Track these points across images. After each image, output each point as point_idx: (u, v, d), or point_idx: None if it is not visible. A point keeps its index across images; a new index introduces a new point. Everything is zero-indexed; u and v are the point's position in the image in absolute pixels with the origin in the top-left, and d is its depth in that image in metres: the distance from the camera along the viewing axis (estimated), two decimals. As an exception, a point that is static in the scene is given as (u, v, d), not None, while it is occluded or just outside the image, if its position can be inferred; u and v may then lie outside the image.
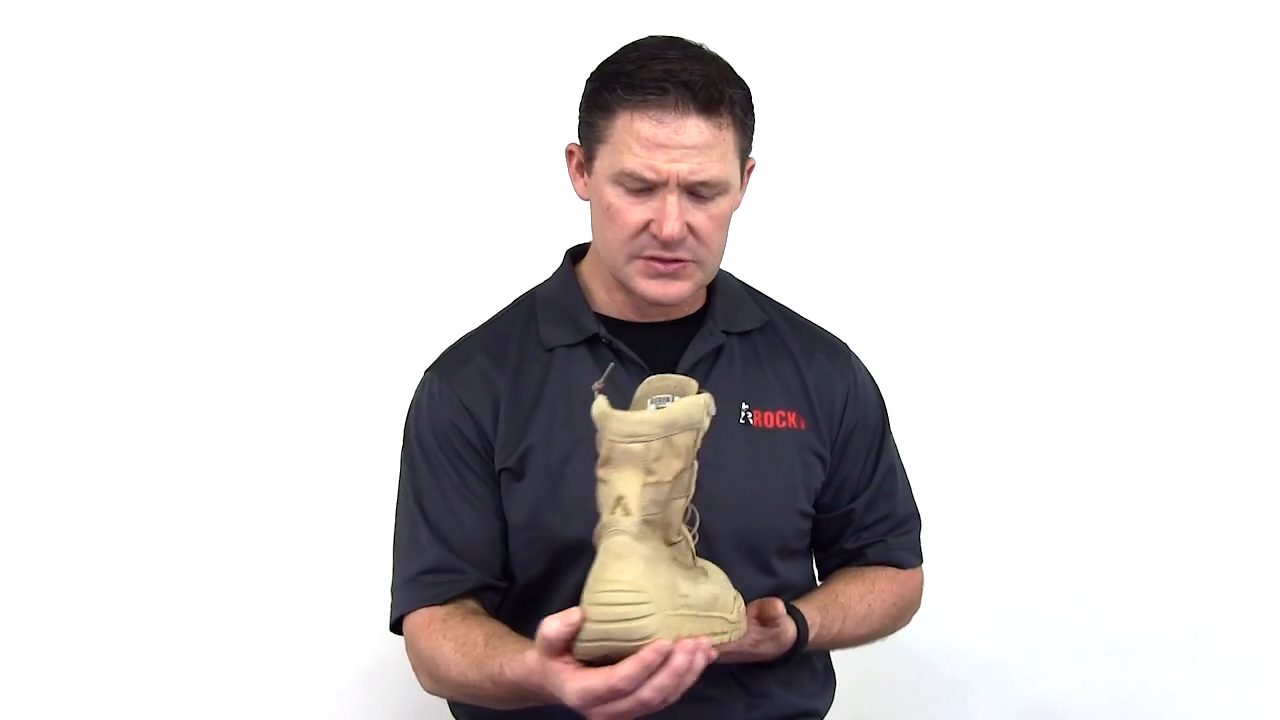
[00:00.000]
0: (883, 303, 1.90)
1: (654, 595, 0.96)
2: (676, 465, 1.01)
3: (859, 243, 1.91)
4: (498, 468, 1.26)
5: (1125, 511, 1.93)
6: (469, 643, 1.17)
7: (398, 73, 1.84)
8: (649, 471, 0.99)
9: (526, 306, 1.35)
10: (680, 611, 0.99)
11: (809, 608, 1.26)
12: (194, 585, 1.82)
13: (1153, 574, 1.93)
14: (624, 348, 1.27)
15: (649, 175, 1.17)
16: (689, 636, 0.96)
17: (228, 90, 1.81)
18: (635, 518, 0.98)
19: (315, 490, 1.81)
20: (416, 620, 1.25)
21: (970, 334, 1.92)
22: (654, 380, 1.08)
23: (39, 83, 1.77)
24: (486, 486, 1.27)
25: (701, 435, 1.04)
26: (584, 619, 0.95)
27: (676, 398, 1.06)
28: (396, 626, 1.29)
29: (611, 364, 1.18)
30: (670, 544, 1.04)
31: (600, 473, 1.01)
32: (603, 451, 1.01)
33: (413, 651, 1.27)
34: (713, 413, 1.04)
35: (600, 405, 1.01)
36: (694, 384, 1.07)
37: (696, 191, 1.19)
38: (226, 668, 1.82)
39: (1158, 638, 1.93)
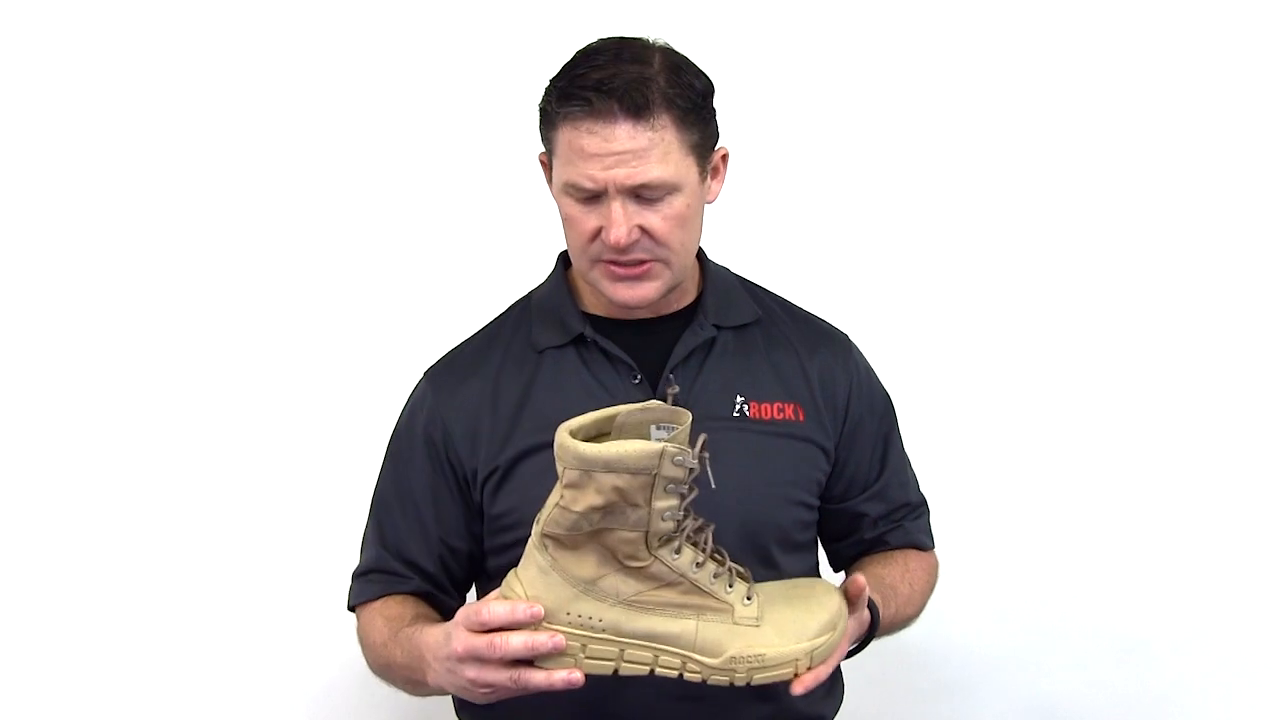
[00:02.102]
0: (884, 296, 1.90)
1: (530, 598, 1.06)
2: (594, 500, 1.01)
3: (859, 234, 1.91)
4: (485, 471, 1.28)
5: (1127, 512, 1.93)
6: (397, 618, 1.26)
7: (395, 77, 1.84)
8: (561, 494, 1.03)
9: (521, 309, 1.38)
10: (561, 627, 1.05)
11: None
12: (194, 585, 1.82)
13: (1154, 575, 1.93)
14: (611, 347, 1.29)
15: (588, 185, 1.19)
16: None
17: (226, 95, 1.82)
18: (538, 529, 1.06)
19: (315, 491, 1.82)
20: (362, 610, 1.34)
21: (970, 331, 1.92)
22: (652, 407, 1.06)
23: (39, 83, 1.78)
24: (446, 502, 1.31)
25: (666, 483, 1.02)
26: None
27: (671, 429, 1.05)
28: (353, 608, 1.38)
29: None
30: (629, 568, 1.05)
31: None
32: None
33: (359, 632, 1.34)
34: (683, 463, 1.01)
35: (569, 424, 1.03)
36: (685, 417, 1.04)
37: (641, 194, 1.20)
38: (226, 668, 1.83)
39: (1158, 638, 1.93)
